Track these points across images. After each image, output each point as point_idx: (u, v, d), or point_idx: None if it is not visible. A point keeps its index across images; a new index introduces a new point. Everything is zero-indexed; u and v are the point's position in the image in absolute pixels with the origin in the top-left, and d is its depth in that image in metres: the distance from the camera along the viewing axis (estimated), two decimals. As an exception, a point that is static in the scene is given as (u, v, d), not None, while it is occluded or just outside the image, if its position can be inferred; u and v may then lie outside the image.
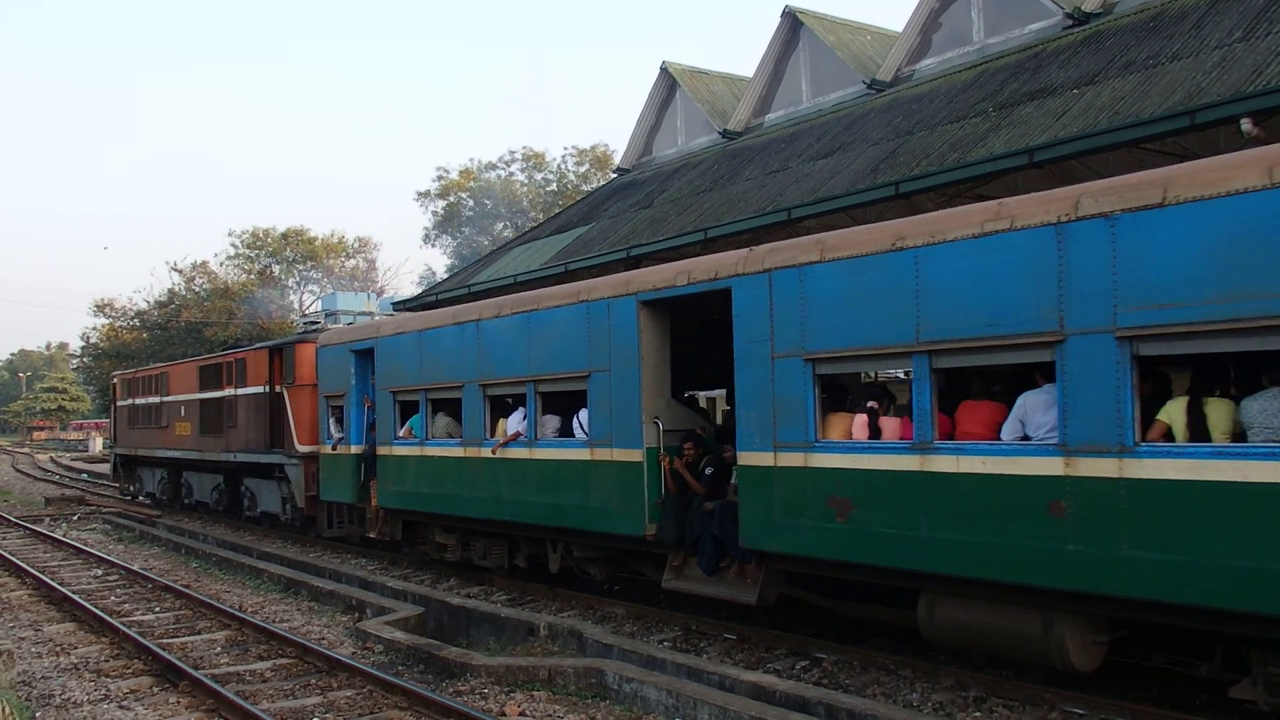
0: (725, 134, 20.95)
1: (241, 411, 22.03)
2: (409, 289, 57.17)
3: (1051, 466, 7.47)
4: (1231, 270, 6.49)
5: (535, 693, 9.24)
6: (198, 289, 56.43)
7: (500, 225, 58.36)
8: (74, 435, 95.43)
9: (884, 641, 10.16)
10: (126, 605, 14.52)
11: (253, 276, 57.63)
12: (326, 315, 24.19)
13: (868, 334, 8.73)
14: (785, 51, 20.29)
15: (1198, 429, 6.99)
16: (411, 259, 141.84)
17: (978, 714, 8.01)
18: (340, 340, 17.23)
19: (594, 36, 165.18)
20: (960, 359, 8.19)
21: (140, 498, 30.66)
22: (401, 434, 15.42)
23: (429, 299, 23.27)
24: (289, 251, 58.89)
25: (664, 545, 10.95)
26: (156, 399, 27.58)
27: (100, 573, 17.73)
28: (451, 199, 60.44)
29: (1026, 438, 7.84)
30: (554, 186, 58.31)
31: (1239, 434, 6.90)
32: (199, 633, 12.55)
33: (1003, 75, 15.18)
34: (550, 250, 20.86)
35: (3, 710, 8.18)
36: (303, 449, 19.37)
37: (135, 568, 17.56)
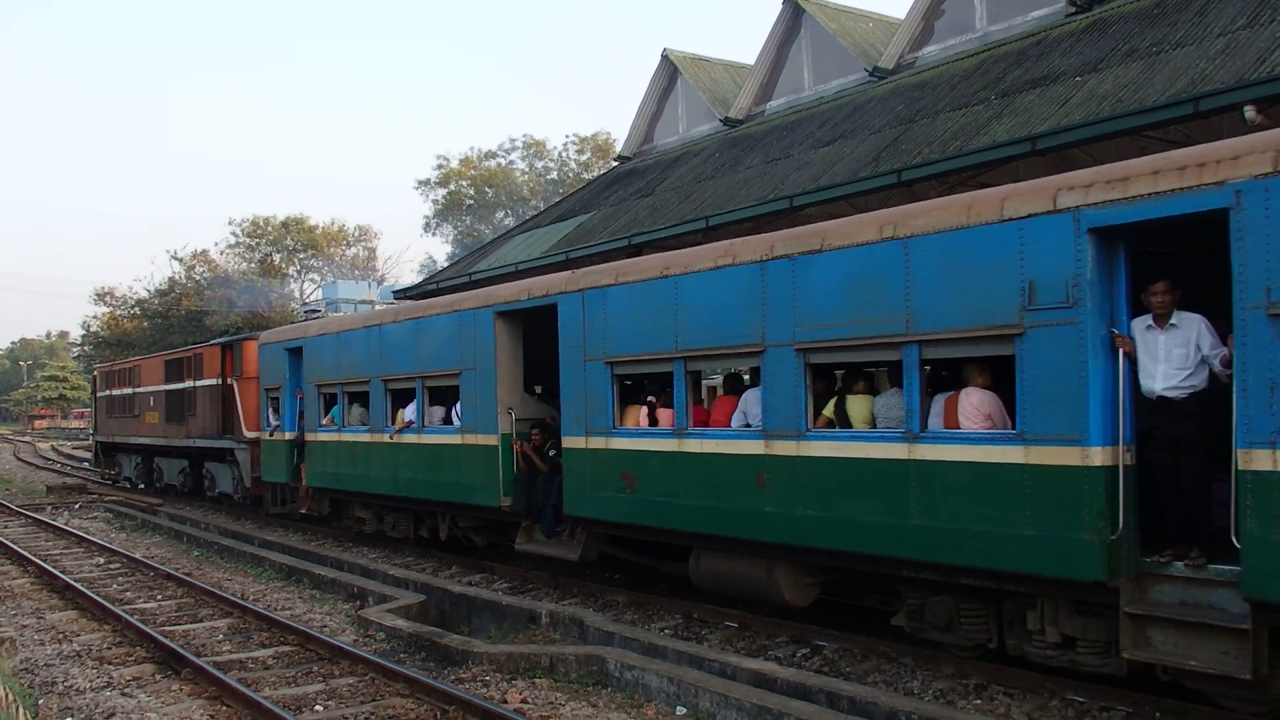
0: (726, 122, 20.88)
1: (200, 402, 24.21)
2: (410, 277, 57.14)
3: (757, 447, 9.67)
4: (855, 301, 8.70)
5: (537, 680, 9.25)
6: (198, 277, 56.35)
7: (501, 213, 58.28)
8: (75, 424, 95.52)
9: (884, 629, 10.18)
10: (128, 593, 14.55)
11: (253, 265, 57.56)
12: (327, 304, 24.26)
13: (647, 342, 10.86)
14: (787, 39, 20.22)
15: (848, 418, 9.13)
16: (412, 247, 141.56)
17: (978, 701, 8.03)
18: (277, 339, 19.45)
19: (595, 23, 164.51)
20: (704, 364, 10.54)
21: (119, 482, 32.61)
22: (325, 422, 17.55)
23: (429, 287, 23.24)
24: (289, 240, 58.81)
25: (516, 515, 13.13)
26: (130, 390, 29.98)
27: (102, 561, 17.76)
28: (452, 187, 60.32)
29: (748, 425, 9.93)
30: (555, 175, 58.22)
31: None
32: (201, 620, 12.57)
33: (1005, 63, 15.12)
34: (551, 238, 20.83)
35: (6, 697, 8.20)
36: (249, 435, 21.46)
37: (137, 556, 17.58)
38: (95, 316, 63.45)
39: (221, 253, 59.01)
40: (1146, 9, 13.89)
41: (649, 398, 11.31)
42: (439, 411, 14.77)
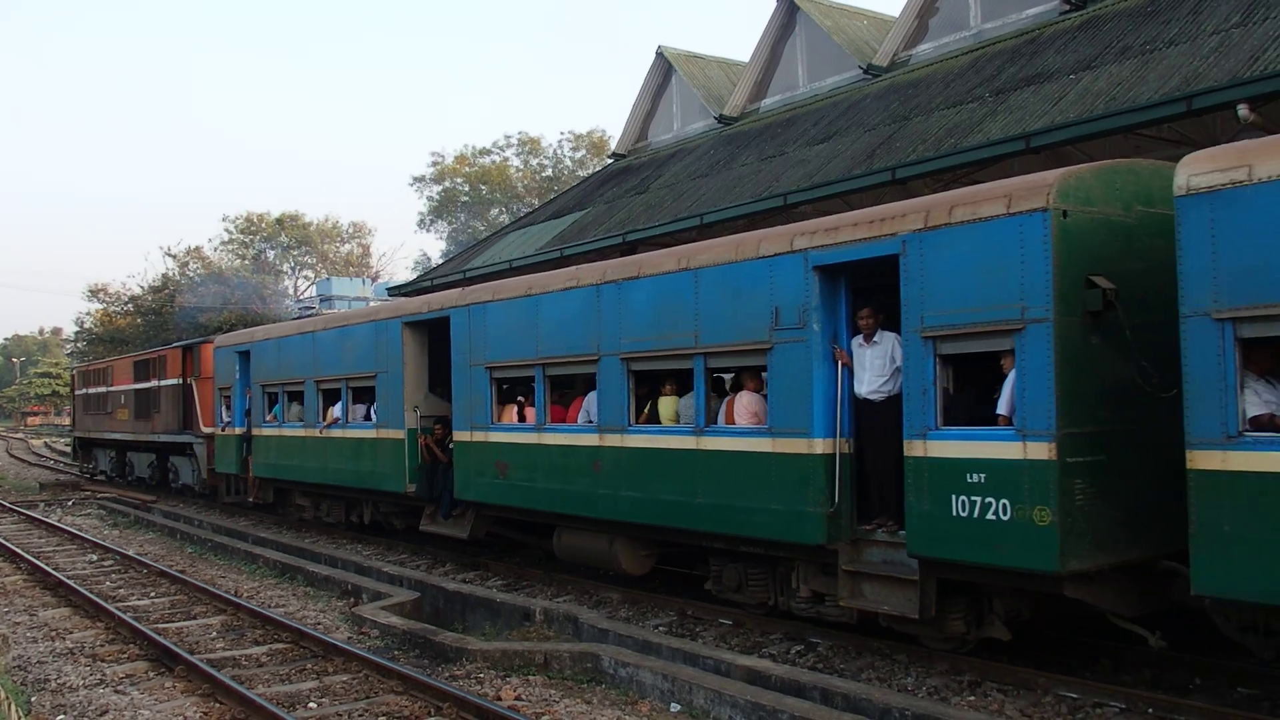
0: (721, 119, 20.89)
1: (163, 400, 26.47)
2: (404, 274, 57.13)
3: (594, 439, 11.56)
4: (662, 320, 10.58)
5: (531, 677, 9.25)
6: (192, 274, 56.25)
7: (496, 210, 58.26)
8: (68, 420, 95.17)
9: (876, 628, 10.20)
10: (122, 590, 14.52)
11: (247, 262, 57.49)
12: (322, 300, 24.37)
13: (516, 351, 12.78)
14: (782, 36, 20.23)
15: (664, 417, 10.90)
16: (407, 244, 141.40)
17: (972, 698, 8.04)
18: (229, 343, 21.44)
19: (590, 20, 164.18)
20: (558, 370, 12.34)
21: (96, 475, 34.41)
22: (268, 418, 19.39)
23: (424, 284, 23.23)
24: (284, 237, 58.75)
25: (420, 500, 14.93)
26: (104, 389, 32.34)
27: (95, 558, 17.72)
28: (447, 184, 60.26)
29: (591, 421, 11.71)
30: (550, 172, 58.16)
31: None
32: (194, 618, 12.55)
33: (999, 60, 15.15)
34: (546, 235, 20.84)
35: (-2, 695, 8.19)
36: (206, 431, 23.39)
37: (130, 553, 17.55)
38: (89, 313, 63.31)
39: (215, 249, 58.97)
40: (1140, 7, 13.92)
41: (519, 398, 13.36)
42: (361, 409, 16.53)
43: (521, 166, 59.78)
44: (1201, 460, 6.64)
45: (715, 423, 10.13)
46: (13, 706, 8.07)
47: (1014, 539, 7.53)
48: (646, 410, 11.05)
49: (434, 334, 14.81)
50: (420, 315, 14.85)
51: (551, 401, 12.46)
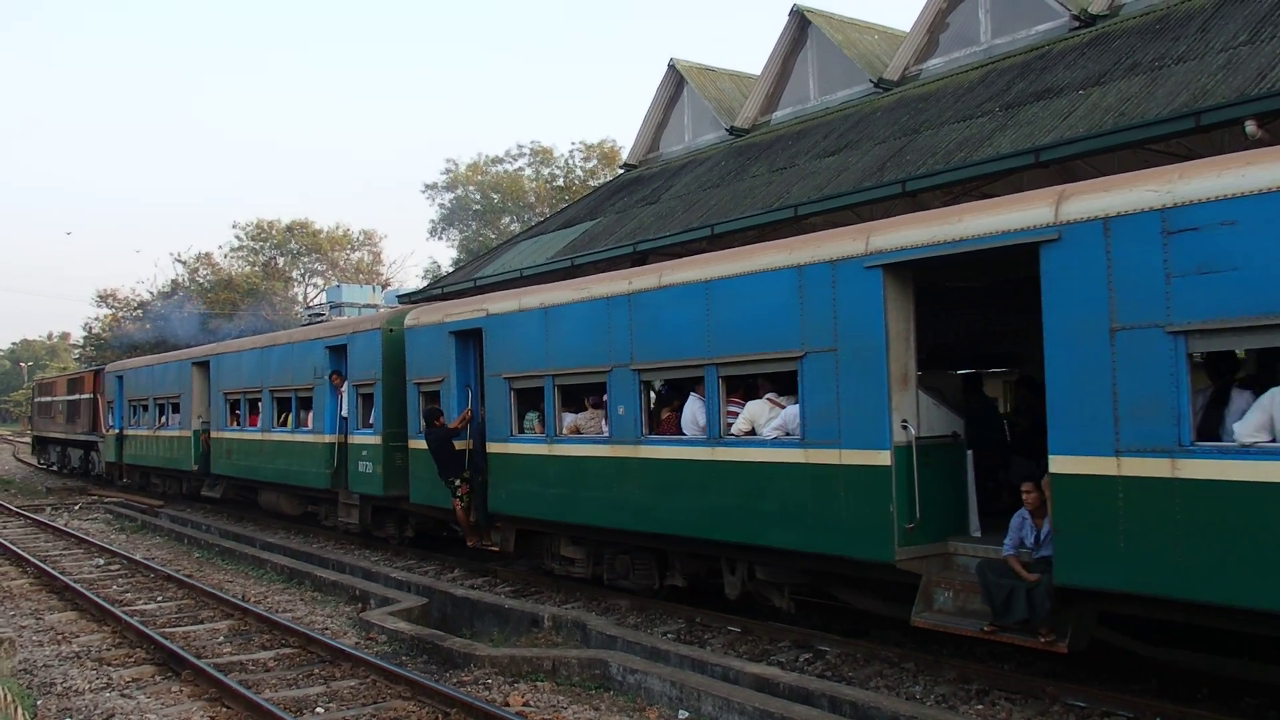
0: (732, 131, 20.94)
1: (82, 409, 35.63)
2: (414, 282, 57.23)
3: (260, 435, 20.69)
4: (282, 370, 20.00)
5: (539, 683, 9.27)
6: (201, 280, 56.38)
7: (507, 219, 58.39)
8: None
9: (888, 634, 10.21)
10: (128, 594, 14.56)
11: (257, 269, 57.64)
12: (332, 308, 24.44)
13: (236, 383, 21.72)
14: (793, 50, 20.28)
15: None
16: (417, 252, 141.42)
17: (980, 706, 8.05)
18: (112, 370, 31.53)
19: (602, 32, 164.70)
20: (250, 395, 21.23)
21: (51, 467, 42.61)
22: (132, 423, 28.86)
23: (434, 292, 23.28)
24: (293, 244, 58.89)
25: (201, 475, 23.93)
26: (50, 398, 42.05)
27: (102, 562, 17.78)
28: (459, 192, 60.41)
29: (262, 426, 20.56)
30: (561, 182, 58.22)
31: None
32: (201, 622, 12.59)
33: (1009, 75, 15.19)
34: (556, 245, 20.88)
35: (4, 698, 8.21)
36: (105, 433, 31.70)
37: (137, 557, 17.60)
38: (97, 318, 63.41)
39: (225, 255, 59.09)
40: (1149, 24, 13.96)
41: (237, 411, 21.86)
42: (176, 417, 25.14)
43: (533, 176, 59.89)
44: (492, 449, 13.55)
45: (303, 426, 18.64)
46: (19, 710, 8.09)
47: (370, 480, 16.17)
48: (282, 418, 19.61)
49: (209, 370, 23.41)
50: (198, 358, 24.14)
51: (250, 413, 20.97)
